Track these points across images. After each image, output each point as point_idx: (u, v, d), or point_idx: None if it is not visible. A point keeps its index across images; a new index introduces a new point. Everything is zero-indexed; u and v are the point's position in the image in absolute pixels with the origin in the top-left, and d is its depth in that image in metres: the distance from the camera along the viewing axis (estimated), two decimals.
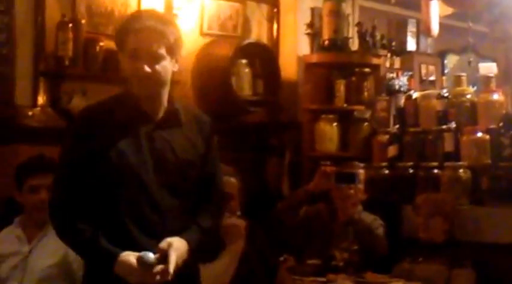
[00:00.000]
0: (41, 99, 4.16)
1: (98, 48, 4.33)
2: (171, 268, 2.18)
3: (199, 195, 2.38)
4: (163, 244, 2.23)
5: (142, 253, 2.19)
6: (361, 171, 4.13)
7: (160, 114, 2.33)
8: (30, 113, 4.12)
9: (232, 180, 3.02)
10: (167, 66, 2.29)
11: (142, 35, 2.25)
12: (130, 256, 2.19)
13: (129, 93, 2.33)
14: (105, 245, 2.22)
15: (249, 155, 5.02)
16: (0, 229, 3.13)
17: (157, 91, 2.31)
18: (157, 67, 2.26)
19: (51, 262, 2.94)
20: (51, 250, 2.93)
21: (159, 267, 2.18)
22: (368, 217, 3.88)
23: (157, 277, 2.18)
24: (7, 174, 3.20)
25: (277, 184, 5.11)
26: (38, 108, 4.14)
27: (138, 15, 2.34)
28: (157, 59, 2.26)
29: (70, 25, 4.22)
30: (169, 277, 2.20)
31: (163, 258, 2.20)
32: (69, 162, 2.30)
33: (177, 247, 2.23)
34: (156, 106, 2.33)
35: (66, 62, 4.20)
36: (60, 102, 4.20)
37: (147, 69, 2.25)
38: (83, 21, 4.31)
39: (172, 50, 2.30)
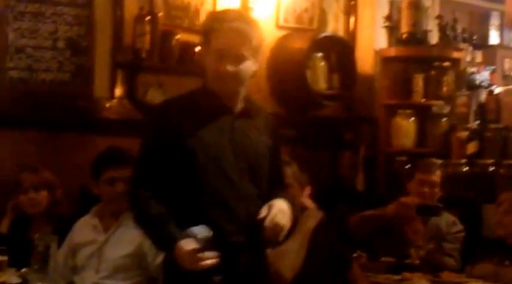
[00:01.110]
0: (118, 91, 4.22)
1: (174, 41, 4.36)
2: (268, 221, 2.29)
3: (270, 183, 2.46)
4: (263, 211, 2.31)
5: (191, 229, 2.24)
6: (437, 173, 3.95)
7: (238, 107, 2.42)
8: (107, 105, 4.18)
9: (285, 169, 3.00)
10: (249, 66, 2.37)
11: (229, 36, 2.33)
12: (189, 242, 2.23)
13: (208, 89, 2.41)
14: (171, 229, 2.28)
15: (323, 149, 4.99)
16: (74, 217, 3.20)
17: (238, 89, 2.40)
18: (241, 67, 2.34)
19: (126, 252, 2.97)
20: (126, 240, 2.97)
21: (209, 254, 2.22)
22: (446, 219, 3.77)
23: (207, 262, 2.23)
24: (84, 165, 3.25)
25: (351, 179, 5.06)
26: (115, 100, 4.20)
27: (225, 15, 2.41)
28: (241, 59, 2.34)
29: (147, 18, 4.28)
30: (279, 237, 2.33)
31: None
32: (149, 151, 2.39)
33: (278, 207, 2.33)
34: (234, 101, 2.42)
35: (143, 54, 4.26)
36: (137, 94, 4.26)
37: (231, 69, 2.33)
38: (160, 14, 4.35)
39: (256, 51, 2.38)
